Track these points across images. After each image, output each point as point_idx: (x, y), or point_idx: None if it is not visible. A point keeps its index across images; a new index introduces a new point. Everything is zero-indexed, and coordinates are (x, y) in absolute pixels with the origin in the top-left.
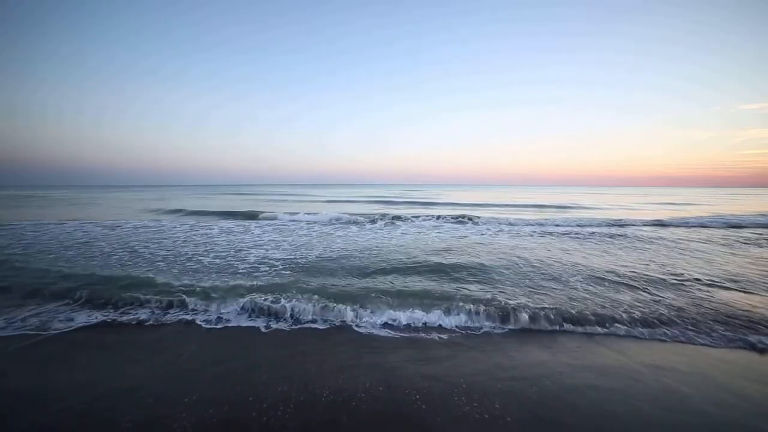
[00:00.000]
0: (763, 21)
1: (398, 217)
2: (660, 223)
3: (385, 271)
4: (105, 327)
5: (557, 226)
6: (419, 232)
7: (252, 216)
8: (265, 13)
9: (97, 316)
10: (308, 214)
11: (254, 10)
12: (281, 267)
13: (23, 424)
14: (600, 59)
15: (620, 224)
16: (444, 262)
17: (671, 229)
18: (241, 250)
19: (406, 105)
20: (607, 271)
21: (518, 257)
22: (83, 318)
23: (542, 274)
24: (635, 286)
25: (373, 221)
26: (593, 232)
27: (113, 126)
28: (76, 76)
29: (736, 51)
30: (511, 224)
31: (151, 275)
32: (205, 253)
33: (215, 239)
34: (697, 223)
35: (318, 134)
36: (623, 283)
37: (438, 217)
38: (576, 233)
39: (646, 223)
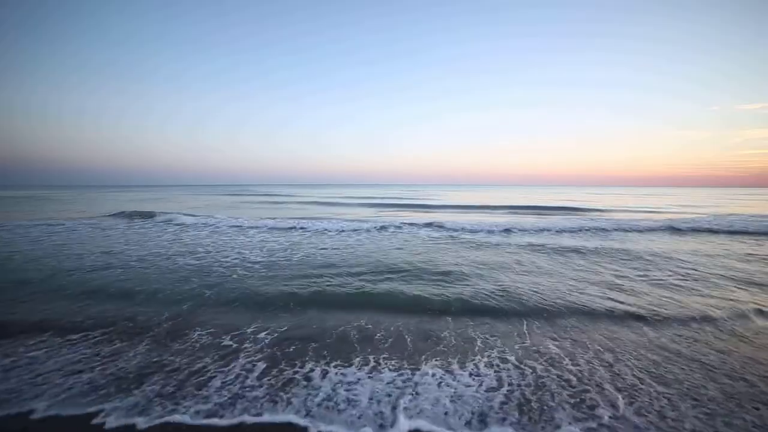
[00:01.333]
0: (763, 21)
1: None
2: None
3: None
4: None
5: (558, 233)
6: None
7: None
8: (265, 14)
9: None
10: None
11: (255, 11)
12: None
13: None
14: (600, 59)
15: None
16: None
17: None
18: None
19: (406, 105)
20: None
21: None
22: None
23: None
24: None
25: (292, 228)
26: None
27: (114, 126)
28: (76, 77)
29: (736, 51)
30: (505, 231)
31: None
32: None
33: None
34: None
35: (318, 134)
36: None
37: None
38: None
39: (660, 227)
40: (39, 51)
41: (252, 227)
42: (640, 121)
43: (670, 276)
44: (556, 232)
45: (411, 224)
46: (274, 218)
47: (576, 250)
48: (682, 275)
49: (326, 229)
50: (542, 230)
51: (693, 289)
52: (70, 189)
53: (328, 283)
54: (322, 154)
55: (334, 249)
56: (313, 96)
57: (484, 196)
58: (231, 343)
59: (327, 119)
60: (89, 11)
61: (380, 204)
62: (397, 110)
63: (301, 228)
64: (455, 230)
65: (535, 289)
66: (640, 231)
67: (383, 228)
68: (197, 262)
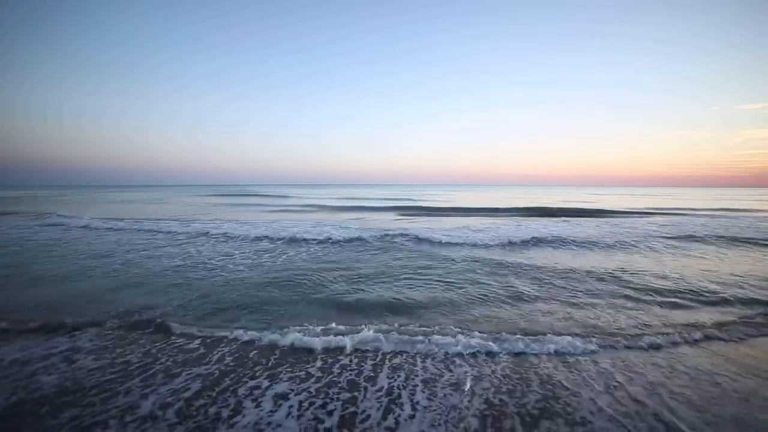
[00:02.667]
0: (763, 21)
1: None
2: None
3: None
4: None
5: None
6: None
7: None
8: (265, 14)
9: None
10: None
11: (255, 11)
12: None
13: None
14: (600, 59)
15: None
16: None
17: None
18: None
19: (406, 105)
20: None
21: None
22: None
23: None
24: None
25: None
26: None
27: (114, 126)
28: (76, 77)
29: (736, 51)
30: (510, 244)
31: None
32: None
33: None
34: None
35: (318, 134)
36: None
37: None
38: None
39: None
40: (39, 51)
41: (149, 230)
42: (640, 121)
43: None
44: (575, 242)
45: (394, 234)
46: (183, 219)
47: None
48: None
49: (247, 236)
50: (545, 241)
51: None
52: (70, 189)
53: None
54: (322, 154)
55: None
56: (313, 96)
57: (485, 197)
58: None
59: (327, 119)
60: (89, 11)
61: (368, 207)
62: (397, 110)
63: (206, 233)
64: (454, 243)
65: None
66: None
67: (350, 240)
68: None
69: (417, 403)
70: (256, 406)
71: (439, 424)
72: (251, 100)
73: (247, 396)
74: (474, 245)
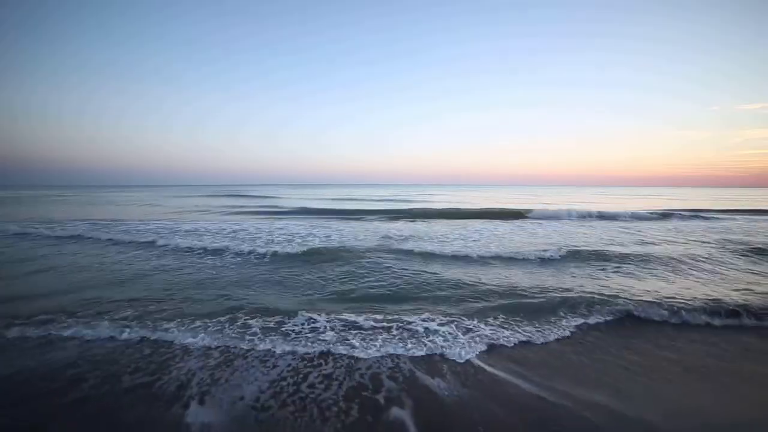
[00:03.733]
0: (763, 21)
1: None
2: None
3: None
4: None
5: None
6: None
7: None
8: (265, 14)
9: None
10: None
11: (254, 11)
12: None
13: None
14: (600, 59)
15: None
16: None
17: None
18: None
19: (406, 105)
20: None
21: None
22: None
23: None
24: None
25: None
26: None
27: (114, 126)
28: (76, 77)
29: (736, 51)
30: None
31: None
32: None
33: None
34: None
35: (318, 134)
36: None
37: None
38: None
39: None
40: (39, 51)
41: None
42: (640, 121)
43: None
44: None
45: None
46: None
47: None
48: None
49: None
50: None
51: None
52: (70, 189)
53: None
54: (322, 154)
55: None
56: (313, 96)
57: (484, 198)
58: None
59: (327, 119)
60: (89, 11)
61: (355, 210)
62: (397, 110)
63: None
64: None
65: None
66: None
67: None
68: None
69: None
70: None
71: None
72: (251, 100)
73: None
74: (460, 257)
